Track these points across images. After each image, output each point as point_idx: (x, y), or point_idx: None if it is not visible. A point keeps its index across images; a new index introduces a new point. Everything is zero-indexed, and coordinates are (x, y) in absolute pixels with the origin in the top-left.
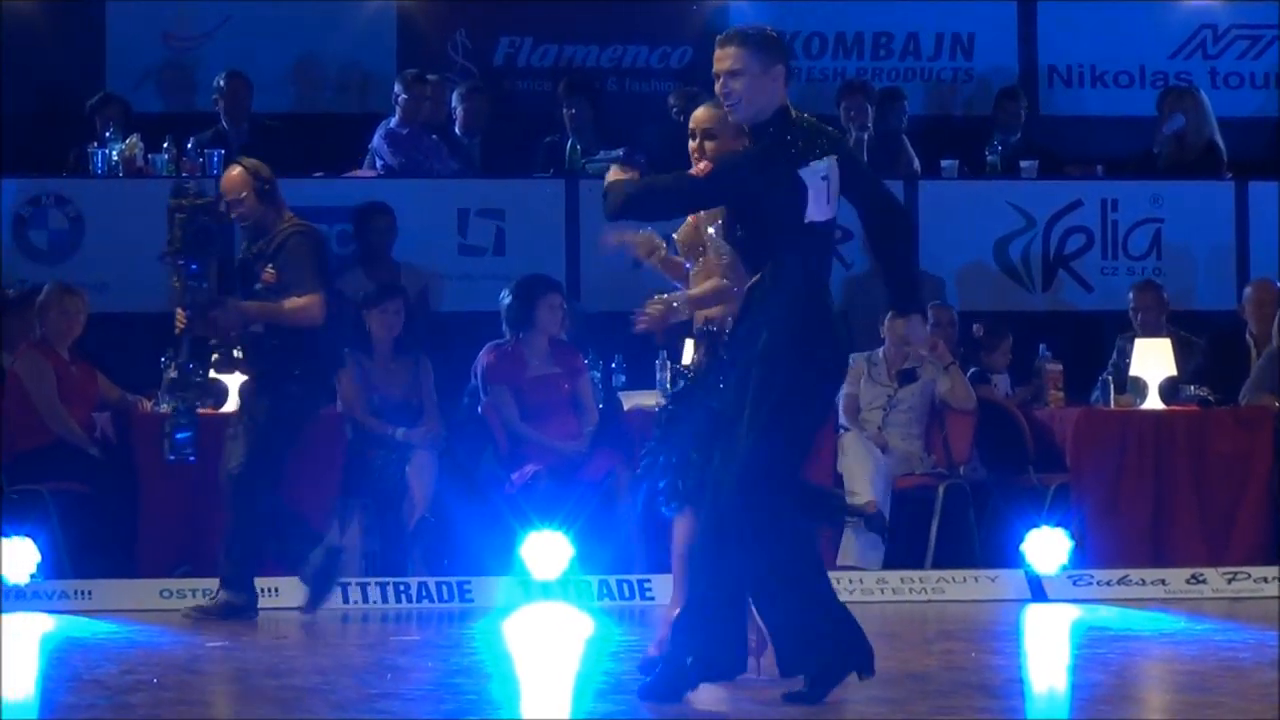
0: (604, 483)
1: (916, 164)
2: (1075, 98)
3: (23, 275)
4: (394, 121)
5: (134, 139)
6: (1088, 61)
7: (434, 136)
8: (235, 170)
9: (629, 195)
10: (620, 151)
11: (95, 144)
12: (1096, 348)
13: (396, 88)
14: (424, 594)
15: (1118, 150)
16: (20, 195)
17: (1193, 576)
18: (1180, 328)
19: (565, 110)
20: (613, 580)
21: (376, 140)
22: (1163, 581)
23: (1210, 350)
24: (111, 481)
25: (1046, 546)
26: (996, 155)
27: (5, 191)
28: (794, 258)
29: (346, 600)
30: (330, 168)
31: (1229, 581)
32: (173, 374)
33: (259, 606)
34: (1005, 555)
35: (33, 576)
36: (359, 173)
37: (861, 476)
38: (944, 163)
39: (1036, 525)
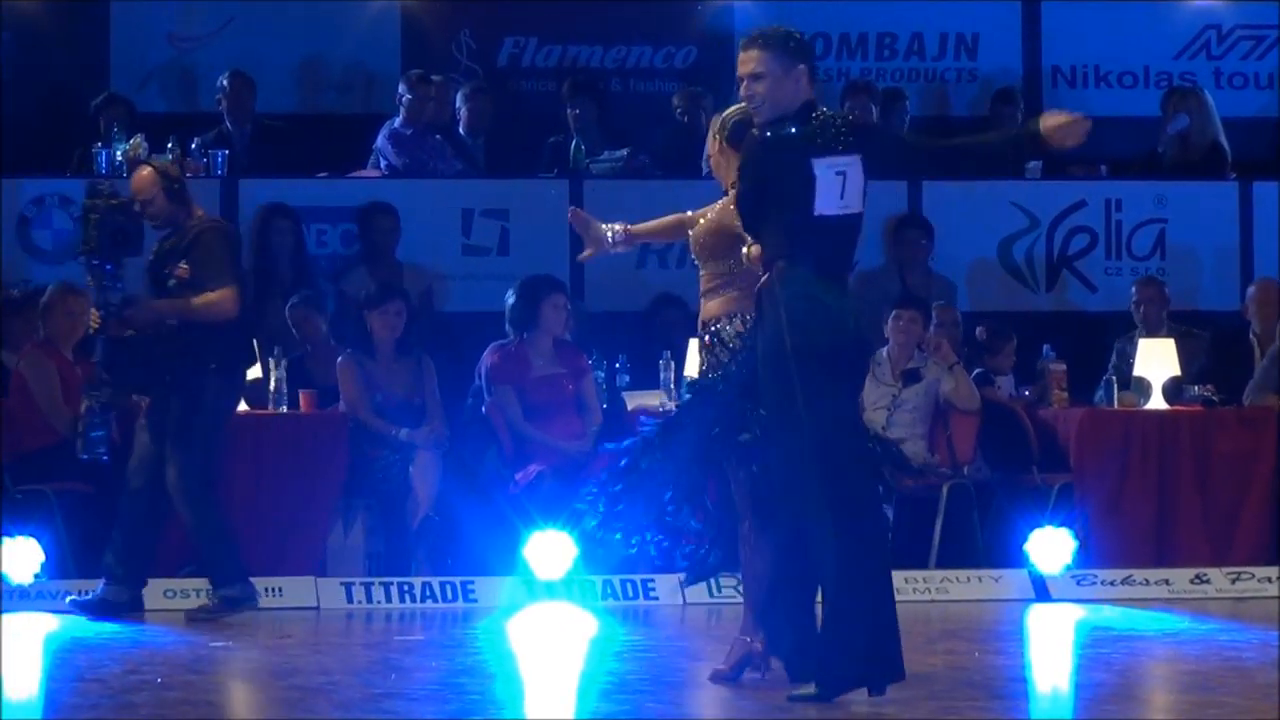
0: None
1: None
2: (1079, 98)
3: (26, 275)
4: (398, 122)
5: (138, 139)
6: (1092, 62)
7: (438, 137)
8: (144, 171)
9: None
10: (625, 152)
11: (99, 144)
12: (1100, 348)
13: (401, 88)
14: (428, 594)
15: (1122, 151)
16: (24, 195)
17: (1196, 576)
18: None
19: (569, 110)
20: (616, 580)
21: (380, 140)
22: (1166, 581)
23: (1214, 350)
24: (115, 482)
25: (1050, 546)
26: None
27: (9, 191)
28: (804, 253)
29: (351, 600)
30: (334, 168)
31: (1233, 581)
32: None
33: (258, 598)
34: (1009, 555)
35: (37, 576)
36: (363, 173)
37: None
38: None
39: (1040, 525)
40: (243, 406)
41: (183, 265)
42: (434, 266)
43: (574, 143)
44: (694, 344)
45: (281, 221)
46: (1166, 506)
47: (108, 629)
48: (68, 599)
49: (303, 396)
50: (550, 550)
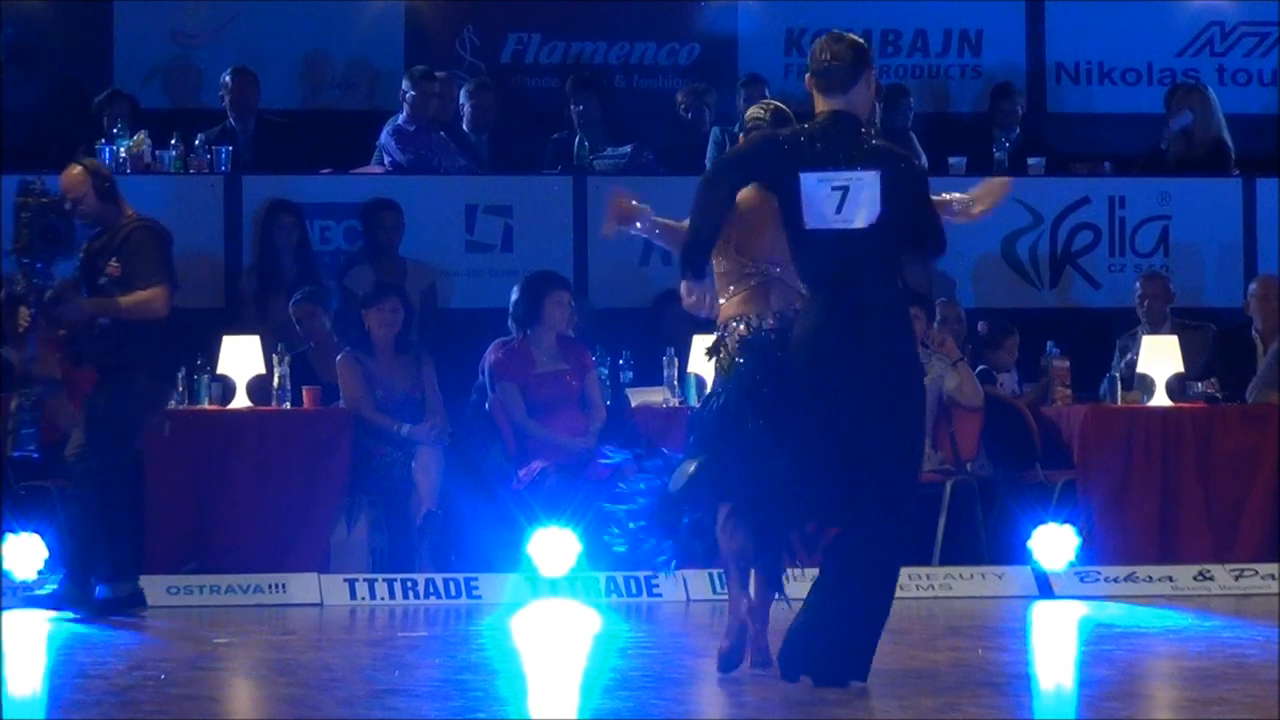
0: (611, 479)
1: (924, 161)
2: (1083, 95)
3: None
4: (402, 118)
5: (141, 135)
6: (1095, 58)
7: (442, 133)
8: (75, 170)
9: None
10: (629, 149)
11: (103, 140)
12: (1104, 345)
13: (404, 84)
14: (431, 590)
15: (1125, 147)
16: None
17: (1200, 573)
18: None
19: (573, 107)
20: (620, 577)
21: (384, 137)
22: (1170, 578)
23: (1217, 346)
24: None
25: (1054, 543)
26: (1004, 152)
27: (12, 187)
28: (801, 266)
29: (354, 596)
30: (338, 164)
31: (1236, 578)
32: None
33: (146, 604)
34: (1012, 552)
35: (40, 573)
36: (367, 169)
37: None
38: (952, 160)
39: (1044, 522)
40: (245, 403)
41: (113, 263)
42: (438, 263)
43: (577, 139)
44: (697, 340)
45: (285, 218)
46: (1170, 503)
47: (111, 625)
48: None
49: (306, 393)
50: (554, 547)
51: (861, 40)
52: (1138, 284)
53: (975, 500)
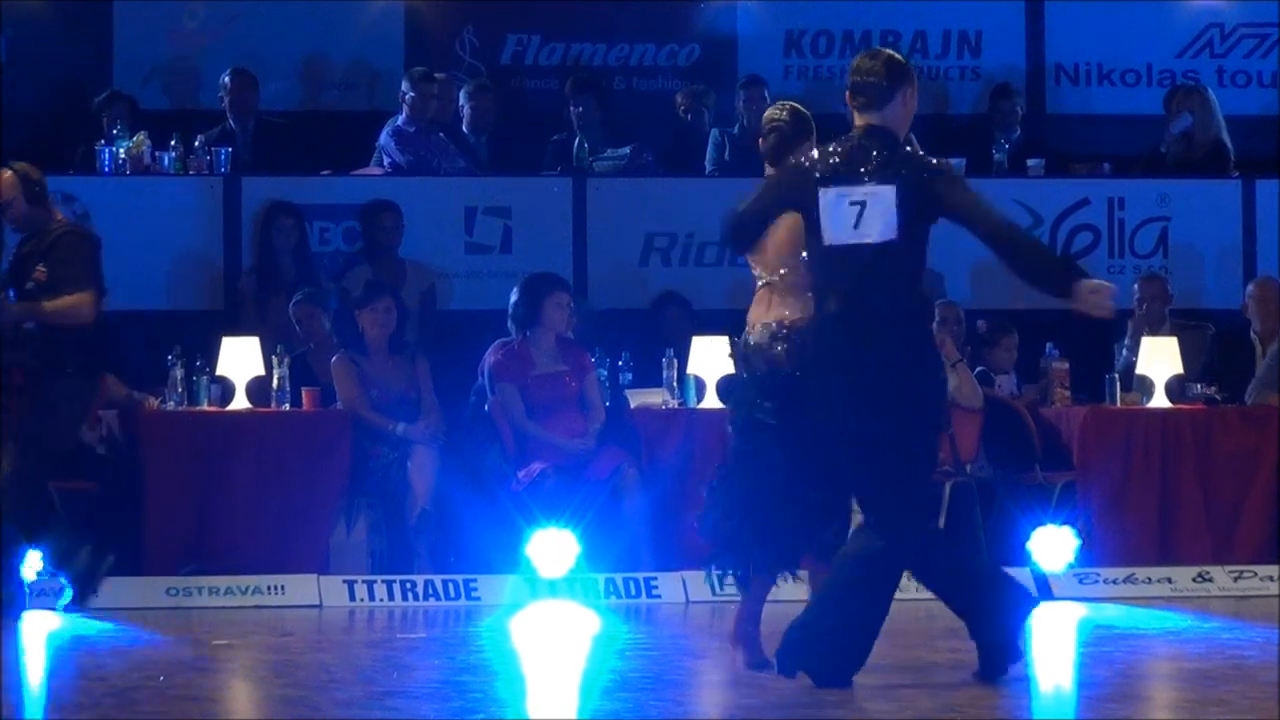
0: (610, 480)
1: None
2: (1082, 96)
3: None
4: (401, 119)
5: (141, 136)
6: (1095, 60)
7: (441, 134)
8: (5, 174)
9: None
10: (628, 150)
11: (102, 141)
12: (1103, 346)
13: (404, 86)
14: (430, 592)
15: (1125, 149)
16: None
17: (1199, 575)
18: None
19: (572, 108)
20: (619, 578)
21: (384, 138)
22: (1169, 580)
23: (1216, 348)
24: (118, 480)
25: (1053, 545)
26: (1003, 153)
27: None
28: (819, 280)
29: (353, 598)
30: (337, 165)
31: (1235, 580)
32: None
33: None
34: (1012, 553)
35: (40, 574)
36: (366, 171)
37: None
38: (952, 161)
39: (1043, 523)
40: (245, 404)
41: (40, 268)
42: (437, 264)
43: (577, 141)
44: (697, 342)
45: (284, 219)
46: (1169, 505)
47: (109, 627)
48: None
49: (305, 394)
50: (553, 548)
51: (899, 57)
52: (1136, 286)
53: (974, 502)
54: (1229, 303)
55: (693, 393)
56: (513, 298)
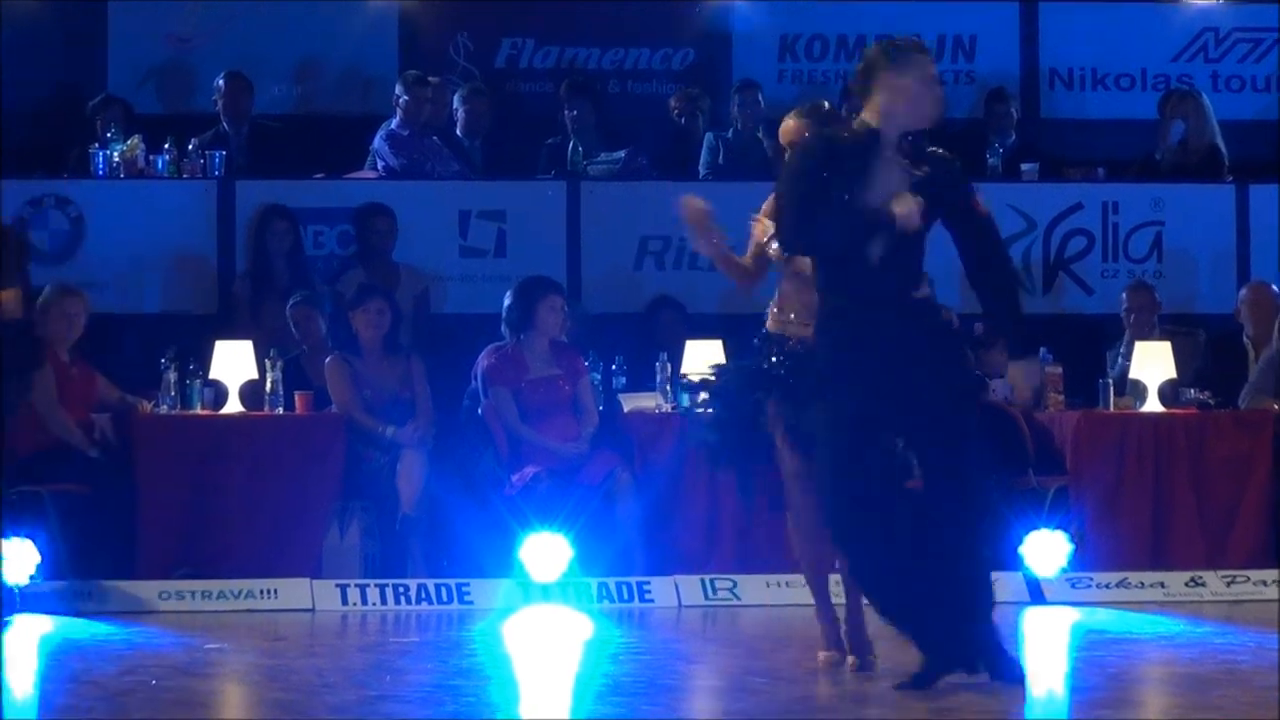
0: (604, 485)
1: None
2: (1077, 100)
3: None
4: (395, 123)
5: (135, 140)
6: (1089, 64)
7: (435, 138)
8: None
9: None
10: (623, 154)
11: (96, 145)
12: (1097, 351)
13: (398, 89)
14: (423, 596)
15: (1119, 153)
16: (21, 196)
17: (1192, 579)
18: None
19: (567, 112)
20: (612, 582)
21: (378, 142)
22: (1162, 584)
23: (1210, 353)
24: (111, 483)
25: (1046, 549)
26: (997, 158)
27: (6, 192)
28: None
29: (346, 602)
30: (331, 169)
31: (1228, 585)
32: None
33: None
34: (1004, 557)
35: (32, 578)
36: (360, 174)
37: None
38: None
39: (1036, 528)
40: (238, 408)
41: None
42: (431, 268)
43: (571, 144)
44: (690, 346)
45: (279, 222)
46: (1162, 509)
47: (102, 630)
48: None
49: (298, 398)
50: (546, 552)
51: (874, 49)
52: (1124, 295)
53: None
54: (1223, 307)
55: (686, 397)
56: (506, 301)
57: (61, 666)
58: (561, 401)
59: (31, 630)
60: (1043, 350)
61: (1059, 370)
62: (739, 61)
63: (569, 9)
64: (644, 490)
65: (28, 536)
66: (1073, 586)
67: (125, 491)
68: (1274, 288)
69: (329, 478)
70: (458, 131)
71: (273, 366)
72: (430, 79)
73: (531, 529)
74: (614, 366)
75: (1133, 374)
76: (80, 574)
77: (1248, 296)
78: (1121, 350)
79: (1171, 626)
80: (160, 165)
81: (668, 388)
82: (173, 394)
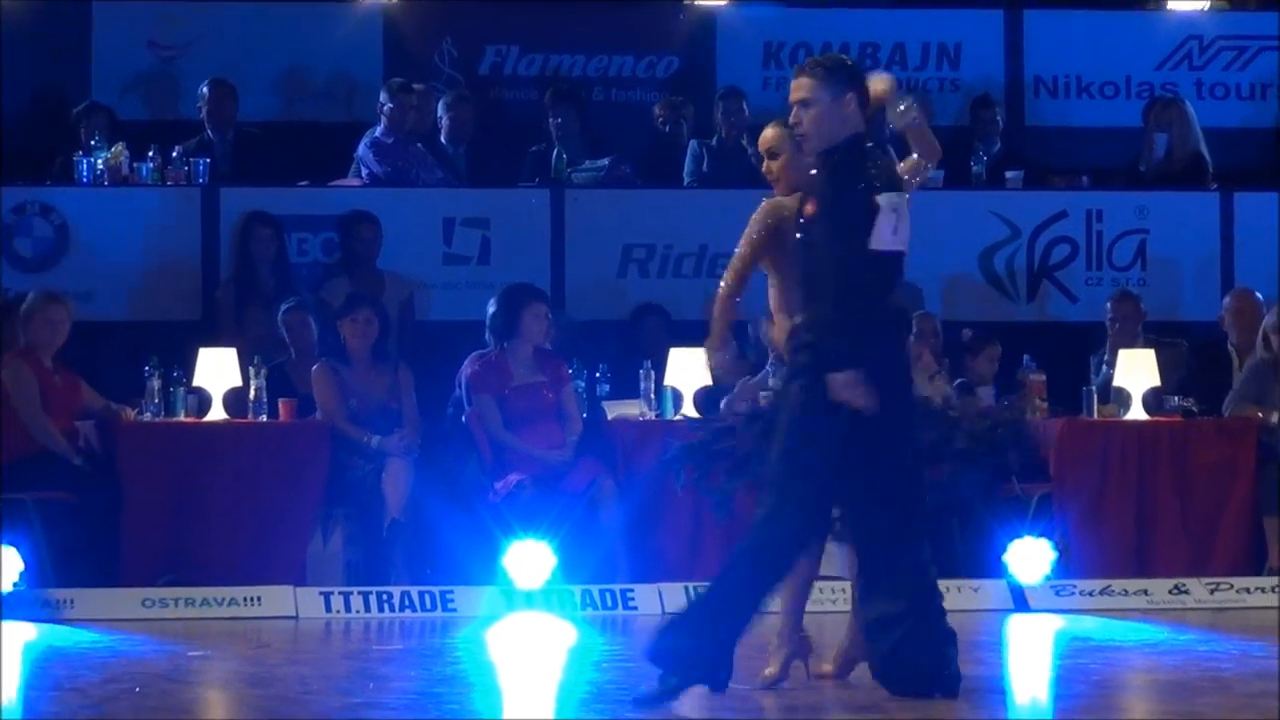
0: (587, 492)
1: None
2: (1061, 108)
3: (7, 284)
4: (379, 130)
5: (119, 147)
6: (1074, 72)
7: (419, 145)
8: None
9: None
10: (607, 161)
11: (80, 152)
12: (1081, 359)
13: (382, 96)
14: (406, 603)
15: (1103, 161)
16: (5, 203)
17: (1175, 587)
18: (1162, 335)
19: (551, 119)
20: (595, 590)
21: (362, 149)
22: (1145, 592)
23: (1194, 361)
24: (95, 490)
25: (1029, 556)
26: (982, 165)
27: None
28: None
29: (329, 609)
30: (316, 177)
31: (1212, 592)
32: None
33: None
34: (988, 565)
35: (16, 585)
36: (344, 182)
37: None
38: (930, 173)
39: (1019, 535)
40: (222, 415)
41: None
42: (415, 275)
43: (555, 152)
44: (674, 353)
45: (263, 230)
46: (1146, 517)
47: (86, 638)
48: None
49: (282, 405)
50: (529, 560)
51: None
52: (1108, 304)
53: (951, 513)
54: (1207, 315)
55: (670, 404)
56: (490, 309)
57: (45, 674)
58: (545, 409)
59: (15, 637)
60: (1025, 358)
61: (1042, 378)
62: (723, 69)
63: (553, 16)
64: (627, 498)
65: (11, 544)
66: (1057, 594)
67: (109, 499)
68: (1258, 295)
69: (313, 485)
70: (442, 139)
71: (257, 374)
72: (415, 86)
73: (515, 536)
74: (598, 374)
75: (1117, 382)
76: (64, 581)
77: (1232, 304)
78: (1105, 358)
79: (1155, 634)
80: (144, 172)
81: (651, 395)
82: (156, 401)
